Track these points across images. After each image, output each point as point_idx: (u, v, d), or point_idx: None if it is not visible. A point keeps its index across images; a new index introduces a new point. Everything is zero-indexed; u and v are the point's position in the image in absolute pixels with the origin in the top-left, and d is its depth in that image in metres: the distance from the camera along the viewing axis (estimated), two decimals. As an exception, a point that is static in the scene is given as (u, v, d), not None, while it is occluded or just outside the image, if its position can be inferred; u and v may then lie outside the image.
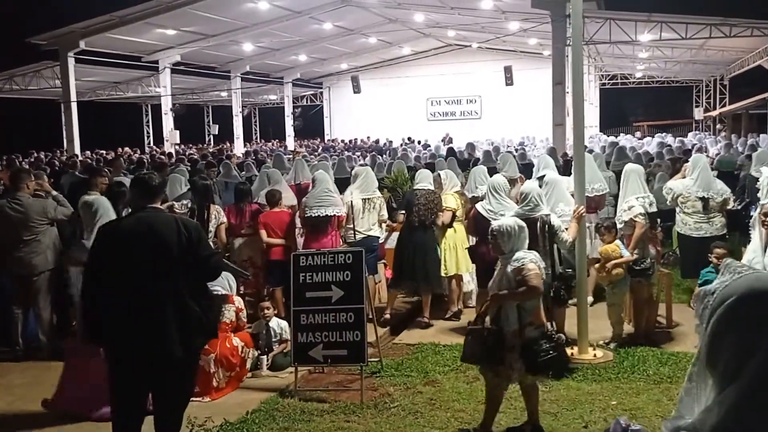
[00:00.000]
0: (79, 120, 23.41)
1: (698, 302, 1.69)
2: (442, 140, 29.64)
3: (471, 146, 17.07)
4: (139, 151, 26.74)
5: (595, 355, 6.23)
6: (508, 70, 26.59)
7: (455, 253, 7.83)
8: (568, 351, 6.27)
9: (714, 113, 32.50)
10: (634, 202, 6.71)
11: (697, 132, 30.16)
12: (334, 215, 7.57)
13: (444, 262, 7.87)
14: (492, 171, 8.92)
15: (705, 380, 1.66)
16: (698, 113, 34.45)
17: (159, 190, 4.37)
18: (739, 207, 7.87)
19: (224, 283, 6.03)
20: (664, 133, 27.90)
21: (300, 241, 7.93)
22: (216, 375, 5.76)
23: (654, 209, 6.71)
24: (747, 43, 22.76)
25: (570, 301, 6.44)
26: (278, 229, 7.63)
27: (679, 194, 7.37)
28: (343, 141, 33.47)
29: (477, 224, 6.95)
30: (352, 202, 7.72)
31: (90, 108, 30.24)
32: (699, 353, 1.68)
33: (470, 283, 8.08)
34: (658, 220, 7.15)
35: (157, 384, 4.12)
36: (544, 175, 7.56)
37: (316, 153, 24.93)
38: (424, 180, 8.00)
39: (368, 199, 7.82)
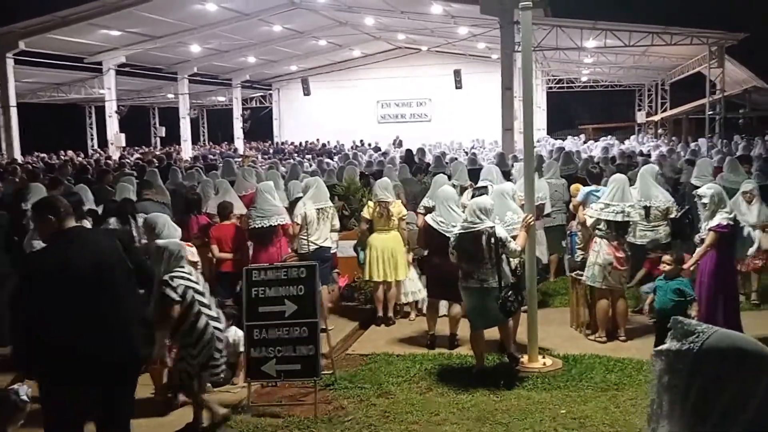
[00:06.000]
0: (19, 122, 22.64)
1: (674, 340, 1.46)
2: (393, 143, 29.78)
3: (421, 151, 17.10)
4: (83, 155, 26.03)
5: (544, 364, 6.34)
6: (457, 74, 26.83)
7: (379, 261, 7.81)
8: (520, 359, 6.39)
9: (656, 118, 33.50)
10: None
11: (645, 135, 31.06)
12: (278, 225, 7.57)
13: (368, 267, 7.90)
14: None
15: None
16: (641, 117, 35.45)
17: (73, 209, 4.24)
18: (680, 215, 8.09)
19: (173, 235, 5.58)
20: (609, 137, 28.61)
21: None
22: None
23: (620, 219, 6.72)
24: (687, 50, 23.57)
25: (522, 308, 6.51)
26: (230, 241, 7.54)
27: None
28: (293, 144, 33.28)
29: (427, 236, 7.00)
30: (305, 213, 7.69)
31: (31, 110, 29.28)
32: (665, 400, 1.46)
33: (421, 291, 8.10)
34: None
35: (102, 404, 3.98)
36: (484, 186, 7.75)
37: (267, 155, 24.66)
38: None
39: (321, 209, 7.81)
